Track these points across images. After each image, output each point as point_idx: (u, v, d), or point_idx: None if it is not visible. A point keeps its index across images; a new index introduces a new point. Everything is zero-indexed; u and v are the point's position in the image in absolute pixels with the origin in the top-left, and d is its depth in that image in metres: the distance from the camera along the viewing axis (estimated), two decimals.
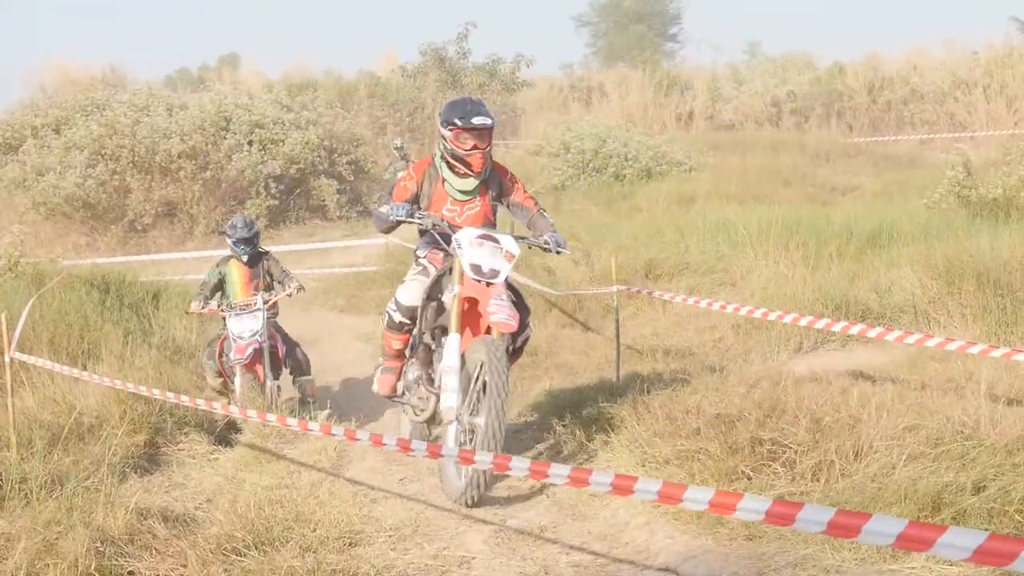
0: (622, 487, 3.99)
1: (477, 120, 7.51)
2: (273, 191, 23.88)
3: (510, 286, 7.46)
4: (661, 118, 32.84)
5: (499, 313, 7.06)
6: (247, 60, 47.75)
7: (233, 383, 10.53)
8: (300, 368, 11.16)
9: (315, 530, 6.43)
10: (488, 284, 7.20)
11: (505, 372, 6.89)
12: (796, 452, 6.59)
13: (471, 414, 7.08)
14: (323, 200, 24.63)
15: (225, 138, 24.18)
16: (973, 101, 27.68)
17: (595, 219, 18.22)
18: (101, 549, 5.94)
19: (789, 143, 27.37)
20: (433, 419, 7.75)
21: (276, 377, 10.66)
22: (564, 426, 8.33)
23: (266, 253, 11.22)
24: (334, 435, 6.35)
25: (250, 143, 24.29)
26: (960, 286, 10.59)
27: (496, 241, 7.43)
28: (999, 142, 21.76)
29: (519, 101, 35.34)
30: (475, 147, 7.58)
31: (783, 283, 12.10)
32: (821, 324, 8.66)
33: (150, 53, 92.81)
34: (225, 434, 9.32)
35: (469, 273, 7.21)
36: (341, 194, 24.95)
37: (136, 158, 23.27)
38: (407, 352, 8.01)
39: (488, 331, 7.26)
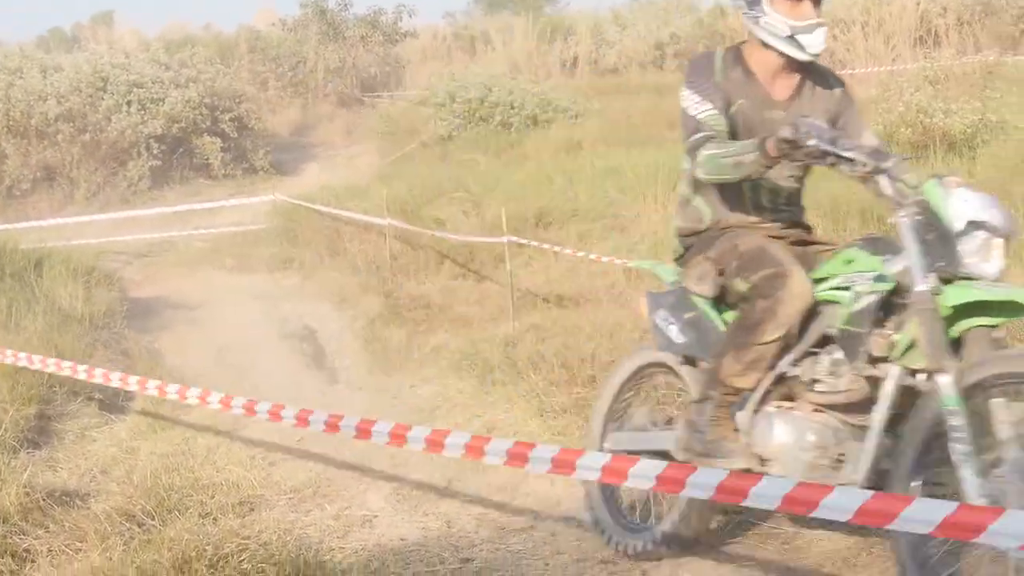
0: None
1: None
2: (155, 151, 23.29)
3: None
4: (546, 65, 32.64)
5: None
6: (121, 18, 46.68)
7: None
8: None
9: (214, 496, 6.36)
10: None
11: None
12: None
13: None
14: (207, 159, 24.17)
15: (103, 99, 23.57)
16: (852, 39, 27.98)
17: (484, 169, 18.16)
18: None
19: (673, 86, 27.29)
20: None
21: None
22: (460, 379, 8.35)
23: None
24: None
25: (129, 103, 23.69)
26: (845, 223, 10.77)
27: None
28: (878, 78, 22.04)
29: (402, 52, 35.11)
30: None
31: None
32: None
33: (19, 13, 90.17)
34: (117, 403, 9.16)
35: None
36: (225, 152, 24.49)
37: (11, 122, 22.61)
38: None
39: None
